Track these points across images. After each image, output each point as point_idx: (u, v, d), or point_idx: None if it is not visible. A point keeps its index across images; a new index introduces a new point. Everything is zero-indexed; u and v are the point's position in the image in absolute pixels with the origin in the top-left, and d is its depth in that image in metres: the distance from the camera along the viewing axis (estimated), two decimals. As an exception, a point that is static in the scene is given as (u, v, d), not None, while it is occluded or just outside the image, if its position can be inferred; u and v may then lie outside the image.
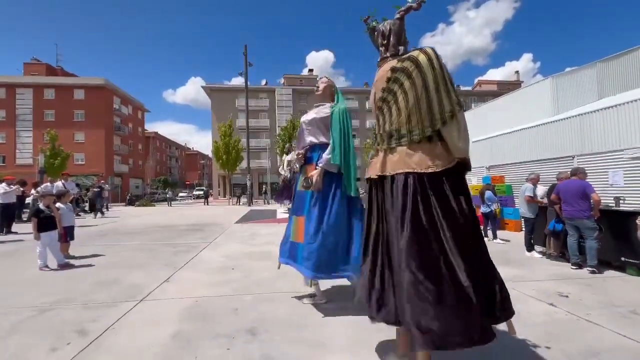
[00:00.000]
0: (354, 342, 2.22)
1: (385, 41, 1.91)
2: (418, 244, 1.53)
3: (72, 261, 4.67)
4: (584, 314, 2.73)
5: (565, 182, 4.79)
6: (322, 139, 2.84)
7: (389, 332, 2.39)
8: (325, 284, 3.59)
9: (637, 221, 3.76)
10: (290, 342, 2.21)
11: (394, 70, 1.73)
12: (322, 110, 2.89)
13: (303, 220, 2.77)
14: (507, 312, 1.62)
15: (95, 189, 14.33)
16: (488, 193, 7.00)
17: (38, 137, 35.79)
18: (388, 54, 1.87)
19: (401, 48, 1.86)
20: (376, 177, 1.82)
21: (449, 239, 1.52)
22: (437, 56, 1.63)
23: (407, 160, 1.67)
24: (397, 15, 1.87)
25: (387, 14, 1.98)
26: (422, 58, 1.62)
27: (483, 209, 7.00)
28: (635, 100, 7.79)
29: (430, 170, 1.61)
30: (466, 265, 1.48)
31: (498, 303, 1.58)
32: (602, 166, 8.07)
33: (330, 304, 2.97)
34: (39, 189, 9.24)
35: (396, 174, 1.69)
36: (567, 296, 3.19)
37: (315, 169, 2.76)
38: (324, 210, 2.68)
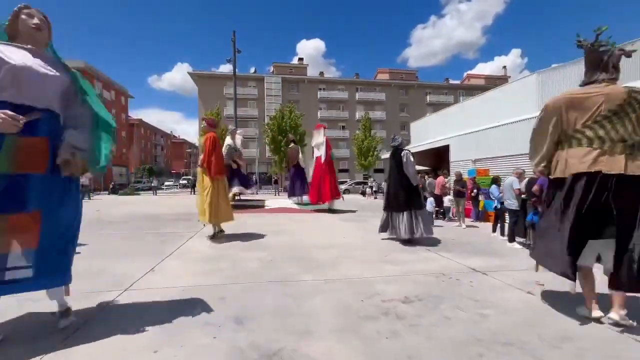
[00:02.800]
0: (339, 330, 2.27)
1: (614, 66, 2.58)
2: None
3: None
4: (559, 301, 2.87)
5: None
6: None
7: (374, 319, 2.45)
8: (317, 274, 3.63)
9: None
10: (277, 330, 2.24)
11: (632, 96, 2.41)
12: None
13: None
14: None
15: None
16: (492, 187, 6.54)
17: (14, 122, 34.14)
18: (614, 77, 2.57)
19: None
20: (614, 174, 2.30)
21: None
22: None
23: None
24: (621, 52, 2.59)
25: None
26: None
27: (495, 204, 6.51)
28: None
29: None
30: None
31: None
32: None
33: (317, 293, 3.00)
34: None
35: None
36: (543, 284, 3.33)
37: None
38: None
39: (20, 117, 1.84)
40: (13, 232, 1.91)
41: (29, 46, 2.06)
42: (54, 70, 2.10)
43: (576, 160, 2.49)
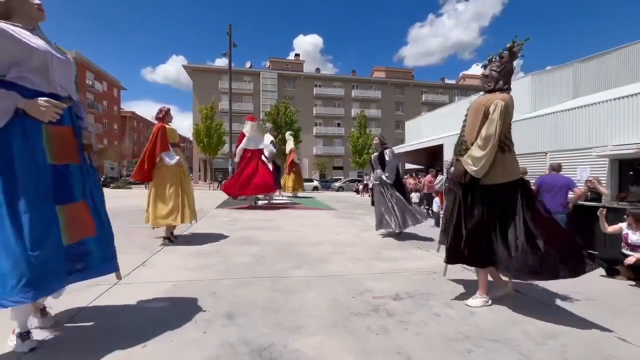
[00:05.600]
0: (330, 325, 2.28)
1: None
2: None
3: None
4: (546, 300, 2.93)
5: (550, 176, 4.98)
6: None
7: (364, 315, 2.47)
8: (309, 270, 3.64)
9: (597, 213, 4.02)
10: (268, 325, 2.24)
11: None
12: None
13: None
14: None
15: None
16: None
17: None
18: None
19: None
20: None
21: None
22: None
23: None
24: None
25: None
26: None
27: None
28: (607, 101, 8.17)
29: None
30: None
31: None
32: (572, 163, 8.49)
33: (309, 289, 3.01)
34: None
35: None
36: (531, 283, 3.39)
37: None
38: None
39: (63, 104, 1.81)
40: (74, 222, 1.92)
41: (34, 28, 1.93)
42: (65, 56, 2.02)
43: (515, 165, 2.72)
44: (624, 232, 3.86)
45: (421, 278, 3.47)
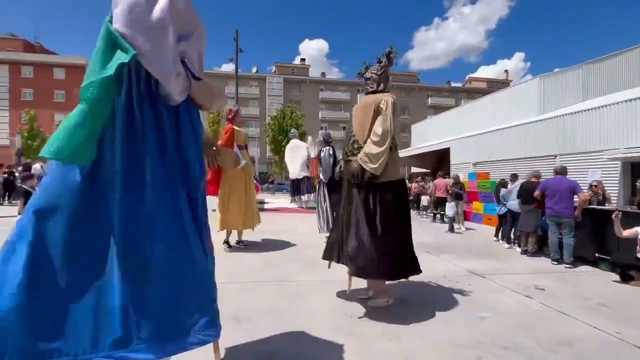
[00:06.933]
0: (337, 330, 2.26)
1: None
2: None
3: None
4: (558, 306, 2.86)
5: (555, 179, 4.89)
6: None
7: (373, 321, 2.44)
8: (315, 274, 3.62)
9: (612, 216, 3.93)
10: (274, 329, 2.23)
11: None
12: None
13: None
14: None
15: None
16: (504, 191, 6.17)
17: (15, 117, 34.15)
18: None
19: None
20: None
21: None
22: None
23: None
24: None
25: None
26: None
27: (499, 210, 6.22)
28: (617, 103, 8.04)
29: None
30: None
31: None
32: (582, 166, 8.35)
33: (316, 293, 3.00)
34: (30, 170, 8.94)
35: None
36: (543, 289, 3.33)
37: None
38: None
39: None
40: None
41: None
42: None
43: (398, 164, 2.77)
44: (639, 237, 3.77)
45: (429, 283, 3.43)
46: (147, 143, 1.19)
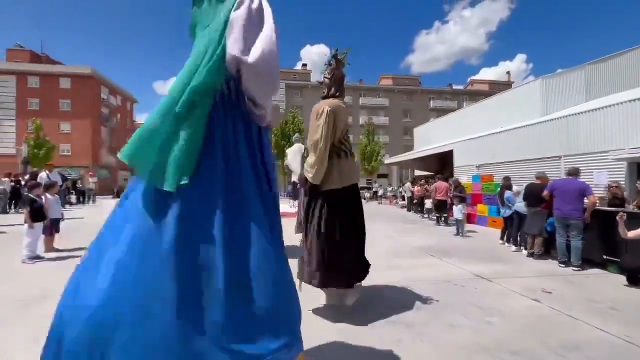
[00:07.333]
0: (344, 336, 2.25)
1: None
2: None
3: (57, 254, 4.58)
4: (566, 309, 2.81)
5: (564, 180, 4.82)
6: None
7: (379, 326, 2.42)
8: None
9: (617, 217, 3.87)
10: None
11: None
12: None
13: None
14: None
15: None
16: (508, 193, 6.10)
17: (22, 126, 34.63)
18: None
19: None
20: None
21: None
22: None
23: None
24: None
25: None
26: None
27: (503, 212, 6.16)
28: (622, 103, 7.98)
29: None
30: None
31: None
32: (587, 166, 8.27)
33: (321, 299, 2.98)
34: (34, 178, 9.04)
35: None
36: (550, 292, 3.28)
37: None
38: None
39: None
40: None
41: None
42: None
43: (347, 171, 2.67)
44: (646, 238, 3.70)
45: (435, 287, 3.40)
46: (241, 161, 1.21)
